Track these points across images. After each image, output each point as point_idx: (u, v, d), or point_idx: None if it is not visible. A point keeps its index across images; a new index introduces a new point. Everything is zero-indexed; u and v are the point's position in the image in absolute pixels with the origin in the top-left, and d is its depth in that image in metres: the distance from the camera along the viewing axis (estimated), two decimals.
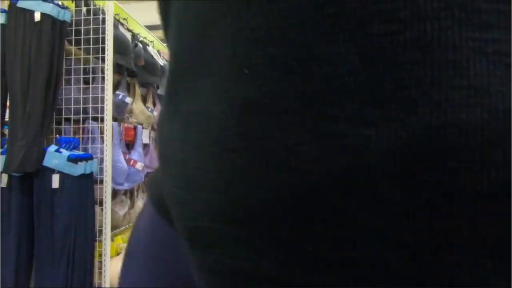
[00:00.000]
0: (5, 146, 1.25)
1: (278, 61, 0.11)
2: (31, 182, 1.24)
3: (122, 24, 1.66)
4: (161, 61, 1.93)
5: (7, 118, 1.34)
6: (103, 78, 1.41)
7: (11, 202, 1.24)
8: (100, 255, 1.36)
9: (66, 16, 1.37)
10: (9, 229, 1.22)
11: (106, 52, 1.41)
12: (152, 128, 2.00)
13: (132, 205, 1.78)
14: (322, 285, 0.11)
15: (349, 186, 0.10)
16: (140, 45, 1.75)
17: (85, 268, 1.28)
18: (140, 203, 1.84)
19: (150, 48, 1.88)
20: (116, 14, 1.67)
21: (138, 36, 1.81)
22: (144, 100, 1.94)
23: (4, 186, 1.26)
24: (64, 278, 1.21)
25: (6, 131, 1.34)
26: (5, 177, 1.25)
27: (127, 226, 1.69)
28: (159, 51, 2.15)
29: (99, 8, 1.47)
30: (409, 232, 0.09)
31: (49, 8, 1.31)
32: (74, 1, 1.49)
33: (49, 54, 1.28)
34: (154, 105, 2.01)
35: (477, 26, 0.09)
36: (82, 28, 1.43)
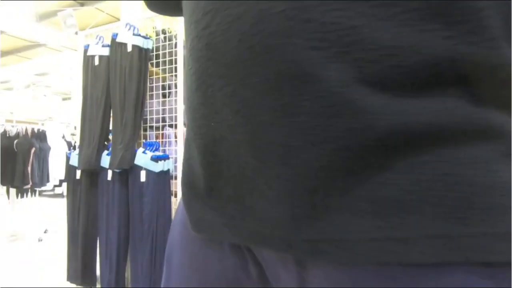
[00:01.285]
0: (110, 149, 1.66)
1: None
2: (127, 177, 1.62)
3: None
4: None
5: (111, 127, 1.76)
6: (176, 92, 1.72)
7: (114, 191, 1.64)
8: None
9: (149, 44, 1.73)
10: (113, 211, 1.62)
11: (177, 70, 1.71)
12: None
13: None
14: None
15: None
16: None
17: (165, 245, 1.60)
18: None
19: None
20: None
21: None
22: None
23: (109, 179, 1.66)
24: (150, 251, 1.54)
25: (110, 137, 1.76)
26: (110, 172, 1.66)
27: None
28: None
29: (173, 35, 1.78)
30: None
31: (137, 40, 1.67)
32: (154, 31, 1.85)
33: (137, 76, 1.64)
34: None
35: None
36: (160, 52, 1.77)
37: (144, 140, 1.74)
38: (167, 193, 1.63)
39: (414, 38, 0.18)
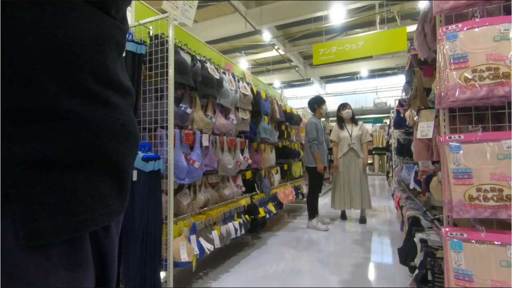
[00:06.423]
0: None
1: None
2: None
3: (183, 49, 2.03)
4: (217, 75, 2.24)
5: None
6: (167, 94, 1.78)
7: None
8: (166, 234, 1.73)
9: (142, 50, 1.80)
10: None
11: (168, 74, 1.78)
12: (212, 133, 2.34)
13: (194, 197, 2.14)
14: None
15: None
16: (198, 64, 2.09)
17: (155, 243, 1.66)
18: (201, 196, 2.19)
19: (208, 64, 2.22)
20: (179, 41, 2.05)
21: (197, 57, 2.16)
22: (205, 109, 2.29)
23: None
24: (140, 250, 1.61)
25: None
26: None
27: (190, 213, 2.05)
28: (218, 65, 2.48)
29: (165, 39, 1.85)
30: None
31: (130, 46, 1.74)
32: (149, 37, 1.93)
33: (130, 80, 1.71)
34: (214, 112, 2.35)
35: None
36: (153, 57, 1.84)
37: None
38: (158, 192, 1.70)
39: None
